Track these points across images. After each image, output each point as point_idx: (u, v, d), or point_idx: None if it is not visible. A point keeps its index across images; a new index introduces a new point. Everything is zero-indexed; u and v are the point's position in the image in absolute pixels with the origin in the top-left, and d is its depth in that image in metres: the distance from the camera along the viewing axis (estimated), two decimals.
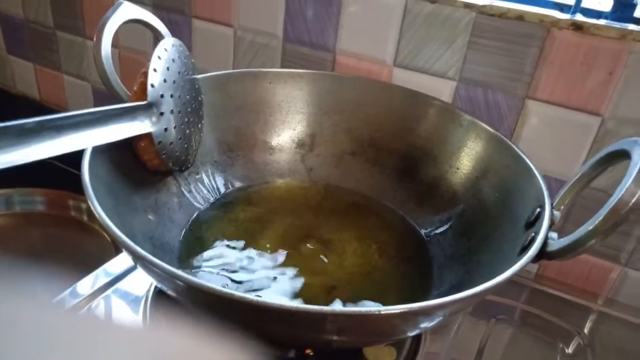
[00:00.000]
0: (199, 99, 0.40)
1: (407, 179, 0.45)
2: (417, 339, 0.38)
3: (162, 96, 0.34)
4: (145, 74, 0.34)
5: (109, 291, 0.40)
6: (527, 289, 0.47)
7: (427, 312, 0.25)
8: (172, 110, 0.35)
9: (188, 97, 0.38)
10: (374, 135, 0.47)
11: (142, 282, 0.41)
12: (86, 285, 0.40)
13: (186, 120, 0.37)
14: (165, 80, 0.34)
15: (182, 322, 0.11)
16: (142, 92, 0.33)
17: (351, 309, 0.23)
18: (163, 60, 0.34)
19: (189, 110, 0.38)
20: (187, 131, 0.38)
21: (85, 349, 0.10)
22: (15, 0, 0.74)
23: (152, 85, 0.33)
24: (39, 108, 0.82)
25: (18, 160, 0.24)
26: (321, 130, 0.48)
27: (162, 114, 0.34)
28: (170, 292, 0.27)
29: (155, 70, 0.34)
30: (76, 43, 0.72)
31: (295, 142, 0.48)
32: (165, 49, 0.35)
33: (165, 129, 0.35)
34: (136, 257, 0.25)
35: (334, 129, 0.47)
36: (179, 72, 0.36)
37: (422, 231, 0.42)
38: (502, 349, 0.41)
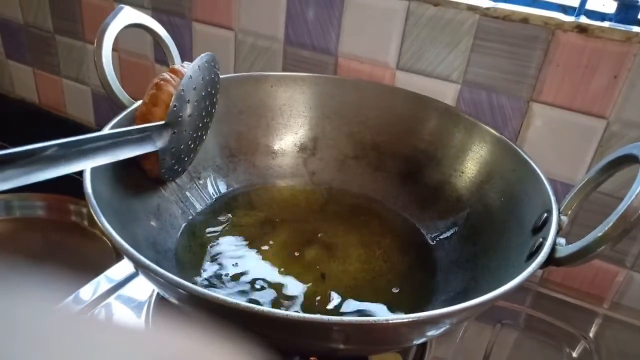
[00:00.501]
0: (213, 111, 0.39)
1: (411, 182, 0.45)
2: (423, 345, 0.38)
3: (180, 116, 0.33)
4: (159, 86, 0.33)
5: (111, 297, 0.40)
6: (532, 292, 0.47)
7: (435, 321, 0.24)
8: (185, 130, 0.34)
9: (204, 113, 0.37)
10: (376, 139, 0.46)
11: (144, 288, 0.41)
12: (88, 291, 0.40)
13: (194, 136, 0.36)
14: (188, 101, 0.33)
15: (185, 327, 0.11)
16: (152, 105, 0.33)
17: (358, 318, 0.22)
18: (193, 79, 0.33)
19: (200, 125, 0.37)
20: (192, 146, 0.37)
21: (88, 353, 0.10)
22: (14, 4, 0.74)
23: (175, 106, 0.32)
24: (38, 112, 0.81)
25: (30, 181, 0.24)
26: (323, 134, 0.47)
27: (174, 133, 0.33)
28: (173, 301, 0.27)
29: (183, 91, 0.32)
30: (75, 47, 0.71)
31: (298, 146, 0.47)
32: (199, 67, 0.34)
33: (173, 148, 0.34)
34: (139, 266, 0.25)
35: (336, 132, 0.47)
36: (203, 92, 0.35)
37: (427, 236, 0.42)
38: (508, 354, 0.41)
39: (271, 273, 0.37)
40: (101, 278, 0.42)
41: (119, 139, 0.29)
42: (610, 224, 0.26)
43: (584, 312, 0.46)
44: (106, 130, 0.28)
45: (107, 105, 0.74)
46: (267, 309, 0.22)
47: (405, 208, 0.44)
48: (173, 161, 0.35)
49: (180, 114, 0.33)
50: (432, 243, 0.41)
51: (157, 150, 0.33)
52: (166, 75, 0.33)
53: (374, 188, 0.46)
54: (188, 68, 0.33)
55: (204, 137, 0.39)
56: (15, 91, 0.83)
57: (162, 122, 0.32)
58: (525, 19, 0.42)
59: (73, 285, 0.40)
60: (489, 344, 0.40)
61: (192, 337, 0.11)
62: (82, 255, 0.66)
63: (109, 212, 0.28)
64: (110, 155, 0.29)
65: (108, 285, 0.41)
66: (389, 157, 0.46)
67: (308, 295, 0.35)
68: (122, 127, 0.31)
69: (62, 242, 0.68)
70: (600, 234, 0.26)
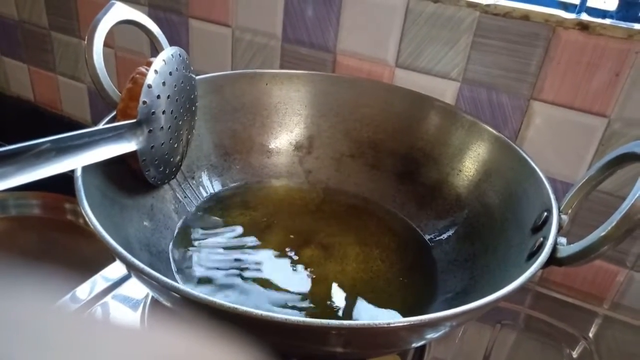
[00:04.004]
0: (193, 108, 0.38)
1: (408, 181, 0.44)
2: (422, 345, 0.38)
3: (153, 113, 0.32)
4: (134, 80, 0.32)
5: (108, 297, 0.39)
6: (532, 292, 0.47)
7: (437, 324, 0.24)
8: (162, 127, 0.33)
9: (182, 110, 0.36)
10: (373, 137, 0.46)
11: (141, 287, 0.40)
12: (85, 290, 0.40)
13: (175, 134, 0.35)
14: (159, 97, 0.32)
15: (181, 327, 0.11)
16: (129, 99, 0.32)
17: (358, 322, 0.22)
18: (160, 74, 0.32)
19: (180, 123, 0.36)
20: (175, 145, 0.36)
21: (84, 352, 0.10)
22: (9, 0, 0.73)
23: (145, 102, 0.31)
24: (34, 110, 0.81)
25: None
26: (319, 133, 0.47)
27: (150, 131, 0.32)
28: (167, 304, 0.26)
29: (149, 86, 0.31)
30: (71, 44, 0.71)
31: (293, 144, 0.47)
32: (164, 61, 0.33)
33: (152, 147, 0.33)
34: (131, 268, 0.25)
35: (332, 131, 0.47)
36: (175, 85, 0.34)
37: (425, 235, 0.41)
38: (508, 355, 0.40)
39: (268, 274, 0.37)
40: (97, 277, 0.41)
41: (89, 139, 0.28)
42: (614, 223, 0.25)
43: (584, 312, 0.45)
44: (70, 133, 0.27)
45: (103, 103, 0.73)
46: (265, 313, 0.22)
47: (402, 207, 0.44)
48: (156, 162, 0.34)
49: (153, 111, 0.32)
50: (431, 243, 0.41)
51: (135, 150, 0.32)
52: (142, 68, 0.33)
53: (370, 187, 0.46)
54: (153, 62, 0.32)
55: (190, 136, 0.39)
56: (11, 88, 0.83)
57: (134, 120, 0.31)
58: (525, 16, 0.41)
59: (69, 284, 0.40)
60: (489, 344, 0.40)
61: (189, 336, 0.11)
62: (78, 254, 0.66)
63: (101, 213, 0.28)
64: (84, 155, 0.28)
65: (104, 284, 0.40)
66: (386, 156, 0.45)
67: (306, 296, 0.35)
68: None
69: (58, 241, 0.68)
70: (603, 233, 0.26)
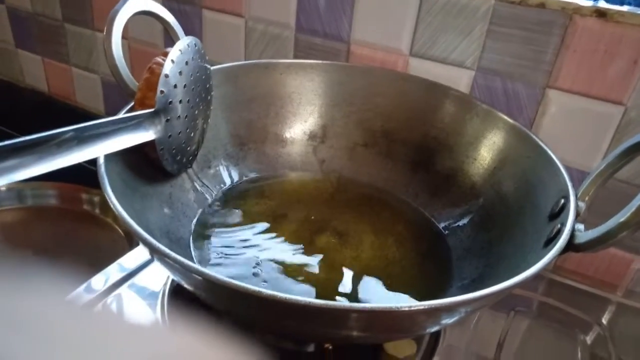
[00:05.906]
0: (209, 98, 0.39)
1: (422, 170, 0.44)
2: (437, 332, 0.38)
3: (170, 102, 0.33)
4: (151, 70, 0.33)
5: (124, 286, 0.40)
6: (546, 280, 0.47)
7: (454, 308, 0.24)
8: (179, 116, 0.34)
9: (197, 99, 0.36)
10: (386, 126, 0.46)
11: (157, 277, 0.41)
12: (100, 280, 0.40)
13: (192, 123, 0.36)
14: (175, 86, 0.33)
15: (199, 317, 0.11)
16: (147, 89, 0.32)
17: (378, 305, 0.22)
18: (176, 64, 0.33)
19: (196, 112, 0.36)
20: (192, 134, 0.36)
21: (100, 346, 0.10)
22: None
23: (162, 92, 0.32)
24: (48, 101, 0.82)
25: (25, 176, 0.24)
26: (333, 122, 0.47)
27: (168, 120, 0.33)
28: (190, 288, 0.27)
29: (167, 75, 0.32)
30: (85, 35, 0.71)
31: (307, 134, 0.47)
32: (180, 51, 0.33)
33: (170, 136, 0.34)
34: (156, 253, 0.25)
35: (346, 120, 0.47)
36: (191, 75, 0.35)
37: (440, 224, 0.42)
38: (522, 341, 0.41)
39: (284, 260, 0.37)
40: (113, 267, 0.42)
41: (106, 128, 0.29)
42: (633, 209, 0.25)
43: (597, 299, 0.45)
44: (90, 122, 0.28)
45: (117, 94, 0.74)
46: (289, 296, 0.22)
47: (416, 196, 0.44)
48: (174, 150, 0.35)
49: (170, 100, 0.33)
50: (445, 231, 0.41)
51: (153, 140, 0.32)
52: (159, 58, 0.33)
53: (384, 176, 0.46)
54: (170, 52, 0.33)
55: (206, 125, 0.39)
56: (25, 80, 0.83)
57: (152, 110, 0.32)
58: (542, 4, 0.41)
59: (85, 274, 0.41)
60: (503, 331, 0.40)
61: (206, 327, 0.11)
62: (94, 244, 0.67)
63: (123, 200, 0.28)
64: (103, 144, 0.28)
65: (120, 274, 0.41)
66: (400, 145, 0.46)
67: (322, 281, 0.35)
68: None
69: (74, 231, 0.69)
70: (622, 219, 0.26)
